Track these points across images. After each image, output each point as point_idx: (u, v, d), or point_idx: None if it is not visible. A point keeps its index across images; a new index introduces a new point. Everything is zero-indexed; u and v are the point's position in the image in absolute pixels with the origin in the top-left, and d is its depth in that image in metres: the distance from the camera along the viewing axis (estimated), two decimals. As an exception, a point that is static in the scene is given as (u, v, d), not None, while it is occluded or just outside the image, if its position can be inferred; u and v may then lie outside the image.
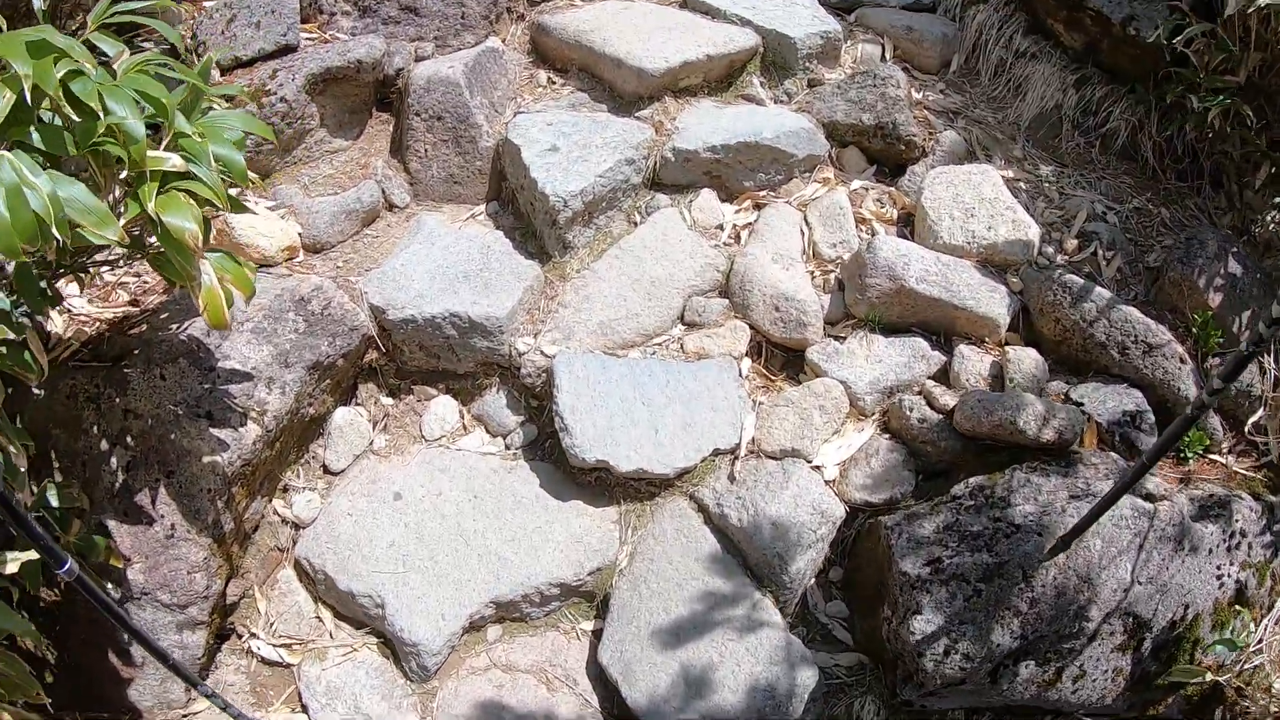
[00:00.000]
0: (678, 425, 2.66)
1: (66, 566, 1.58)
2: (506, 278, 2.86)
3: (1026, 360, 2.66)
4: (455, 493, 2.69)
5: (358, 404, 2.86)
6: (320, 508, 2.70)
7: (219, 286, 1.98)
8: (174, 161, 1.81)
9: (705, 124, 3.16)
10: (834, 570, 2.66)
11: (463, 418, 2.87)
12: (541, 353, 2.77)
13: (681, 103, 3.28)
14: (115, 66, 1.88)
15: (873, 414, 2.74)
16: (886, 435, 2.70)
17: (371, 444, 2.82)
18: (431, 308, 2.75)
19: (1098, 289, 2.71)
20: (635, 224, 3.06)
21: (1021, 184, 3.15)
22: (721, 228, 3.09)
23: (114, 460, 2.38)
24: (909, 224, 3.07)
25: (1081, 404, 2.60)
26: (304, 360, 2.59)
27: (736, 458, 2.66)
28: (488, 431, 2.84)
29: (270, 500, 2.69)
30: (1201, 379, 2.65)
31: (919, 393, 2.71)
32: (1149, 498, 2.43)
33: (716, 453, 2.67)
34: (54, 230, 1.55)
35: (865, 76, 3.32)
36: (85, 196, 1.65)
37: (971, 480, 2.48)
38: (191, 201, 1.83)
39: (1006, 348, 2.71)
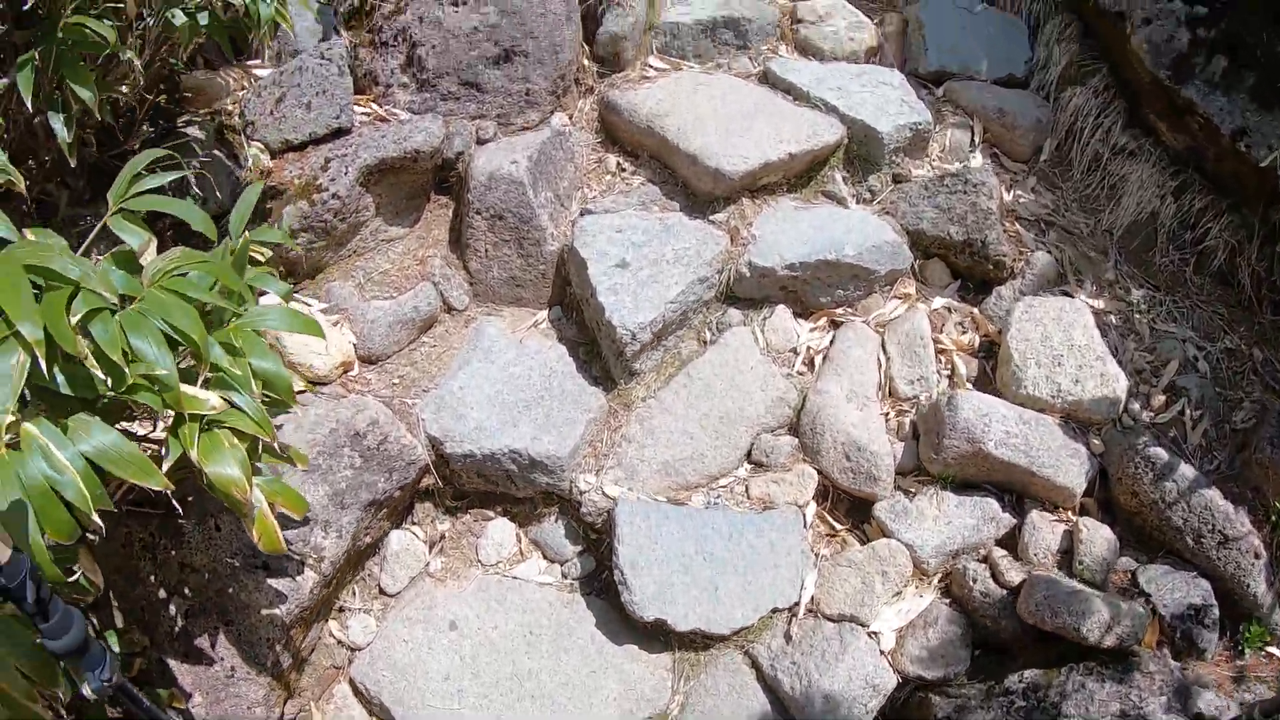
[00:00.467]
0: (738, 583, 2.62)
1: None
2: (569, 408, 2.77)
3: (1099, 542, 2.58)
4: (511, 626, 2.67)
5: (413, 523, 2.82)
6: (376, 631, 2.69)
7: (271, 516, 1.92)
8: (213, 403, 1.71)
9: (784, 233, 2.99)
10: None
11: (520, 542, 2.83)
12: (603, 493, 2.70)
13: (759, 203, 3.09)
14: (142, 262, 1.76)
15: (935, 575, 2.69)
16: (947, 601, 2.66)
17: (427, 566, 2.79)
18: (491, 443, 2.67)
19: (1181, 468, 2.60)
20: (705, 343, 2.94)
21: (1112, 316, 3.00)
22: (795, 351, 2.96)
23: (172, 608, 2.37)
24: (990, 355, 2.94)
25: (1148, 594, 2.54)
26: (361, 500, 2.53)
27: (795, 616, 2.63)
28: (545, 558, 2.81)
29: (326, 622, 2.70)
30: (1273, 574, 2.58)
31: (984, 559, 2.66)
32: (1199, 718, 2.40)
33: (775, 611, 2.64)
34: (94, 516, 1.47)
35: (956, 181, 3.11)
36: (122, 444, 1.55)
37: (1027, 675, 2.45)
38: (235, 442, 1.74)
39: (1080, 521, 2.63)
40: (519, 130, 3.14)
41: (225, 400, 1.73)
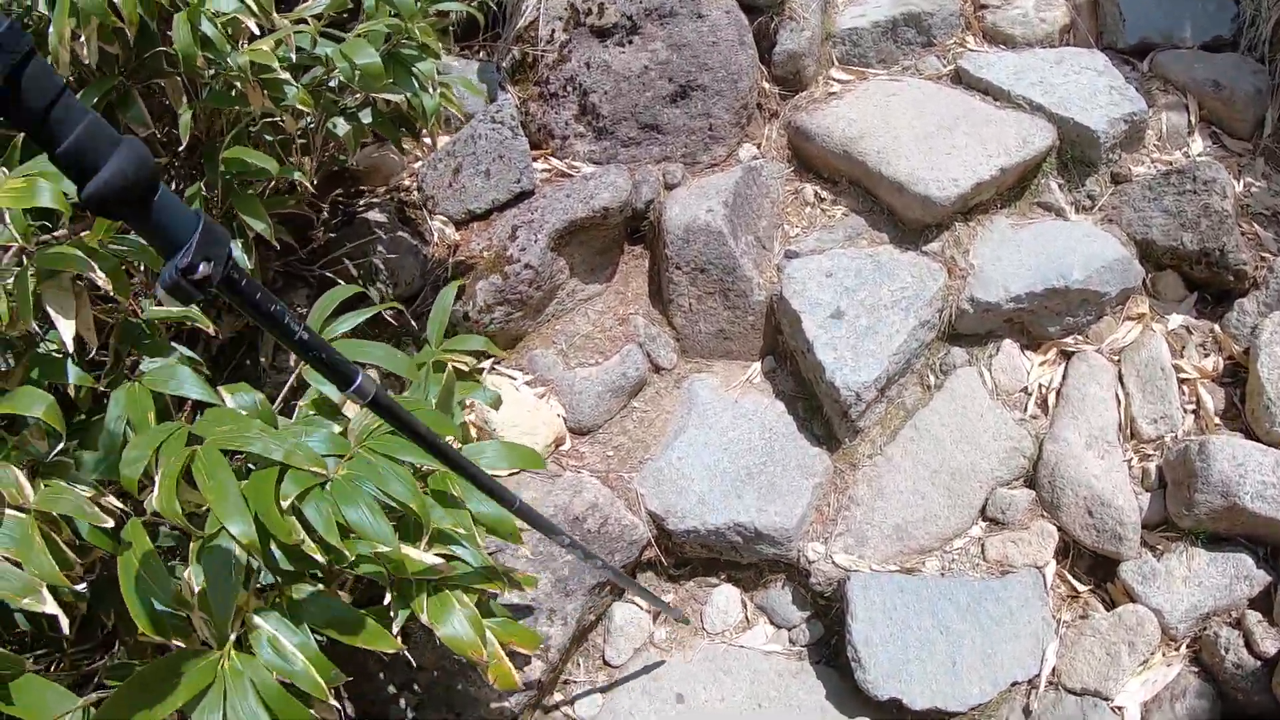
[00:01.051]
0: (976, 656, 2.51)
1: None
2: (793, 474, 2.64)
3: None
4: (739, 697, 2.62)
5: (636, 595, 2.76)
6: (601, 705, 2.67)
7: (505, 659, 1.85)
8: (438, 565, 1.62)
9: (1004, 260, 2.77)
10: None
11: (745, 608, 2.75)
12: (833, 562, 2.59)
13: (973, 226, 2.86)
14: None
15: (1184, 641, 2.54)
16: (1195, 670, 2.51)
17: (651, 637, 2.73)
18: (715, 518, 2.57)
19: None
20: (929, 388, 2.77)
21: (1374, 331, 2.73)
22: (1027, 391, 2.78)
23: (402, 702, 2.39)
24: (1236, 380, 2.71)
25: None
26: (585, 585, 2.47)
27: (1034, 689, 2.52)
28: (771, 623, 2.73)
29: (551, 694, 2.68)
30: None
31: (1237, 624, 2.49)
32: None
33: (1014, 684, 2.53)
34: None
35: (1184, 179, 2.83)
36: (350, 613, 1.50)
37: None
38: (465, 600, 1.67)
39: (1356, 575, 2.45)
40: (706, 169, 2.93)
41: (449, 555, 1.65)
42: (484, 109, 2.85)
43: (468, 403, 2.55)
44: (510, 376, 2.71)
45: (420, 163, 2.83)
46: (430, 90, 2.18)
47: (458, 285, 2.16)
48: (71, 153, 0.72)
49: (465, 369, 2.08)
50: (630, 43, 2.95)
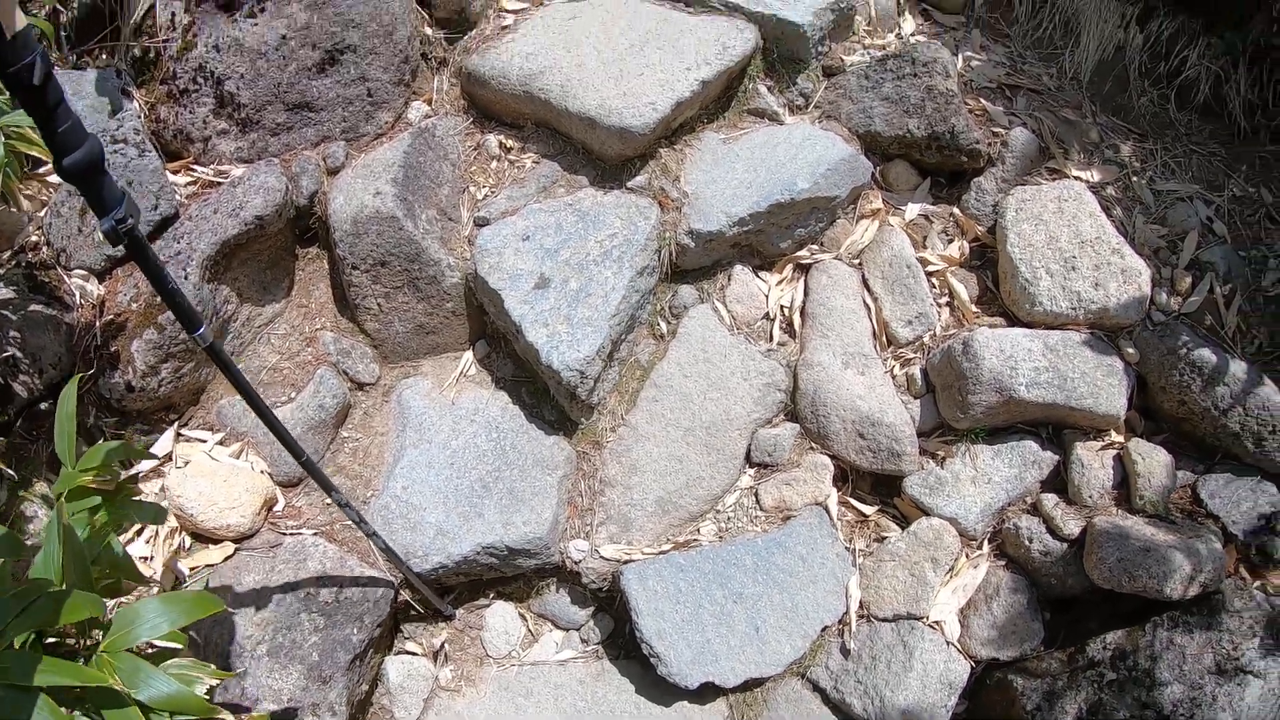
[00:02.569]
0: (779, 615, 2.31)
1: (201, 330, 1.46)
2: (532, 473, 2.34)
3: (1157, 472, 2.27)
4: (548, 717, 2.35)
5: (406, 641, 2.42)
6: (406, 768, 2.37)
7: None
8: None
9: (720, 180, 2.49)
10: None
11: (525, 621, 2.46)
12: (601, 556, 2.33)
13: (680, 148, 2.55)
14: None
15: (985, 538, 2.40)
16: (1003, 563, 2.38)
17: (437, 681, 2.41)
18: (459, 547, 2.25)
19: (1231, 367, 2.27)
20: (660, 336, 2.49)
21: (1110, 189, 2.58)
22: (769, 317, 2.53)
23: None
24: (985, 262, 2.54)
25: (1216, 515, 2.28)
26: (340, 664, 2.11)
27: (846, 626, 2.35)
28: (557, 628, 2.46)
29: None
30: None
31: (1034, 509, 2.36)
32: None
33: (824, 629, 2.35)
34: None
35: (901, 63, 2.59)
36: None
37: (1109, 640, 2.22)
38: None
39: (1130, 447, 2.31)
40: (373, 140, 2.52)
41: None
42: (103, 126, 2.36)
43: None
44: (199, 440, 2.30)
45: (45, 211, 2.33)
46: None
47: (75, 387, 1.73)
48: (65, 135, 1.13)
49: (111, 489, 1.67)
50: (262, 10, 2.48)
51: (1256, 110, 2.69)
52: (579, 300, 2.31)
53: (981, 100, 2.65)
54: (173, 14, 2.58)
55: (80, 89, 2.49)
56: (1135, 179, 2.60)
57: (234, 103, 2.46)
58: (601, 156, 2.52)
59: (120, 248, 1.31)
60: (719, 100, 2.63)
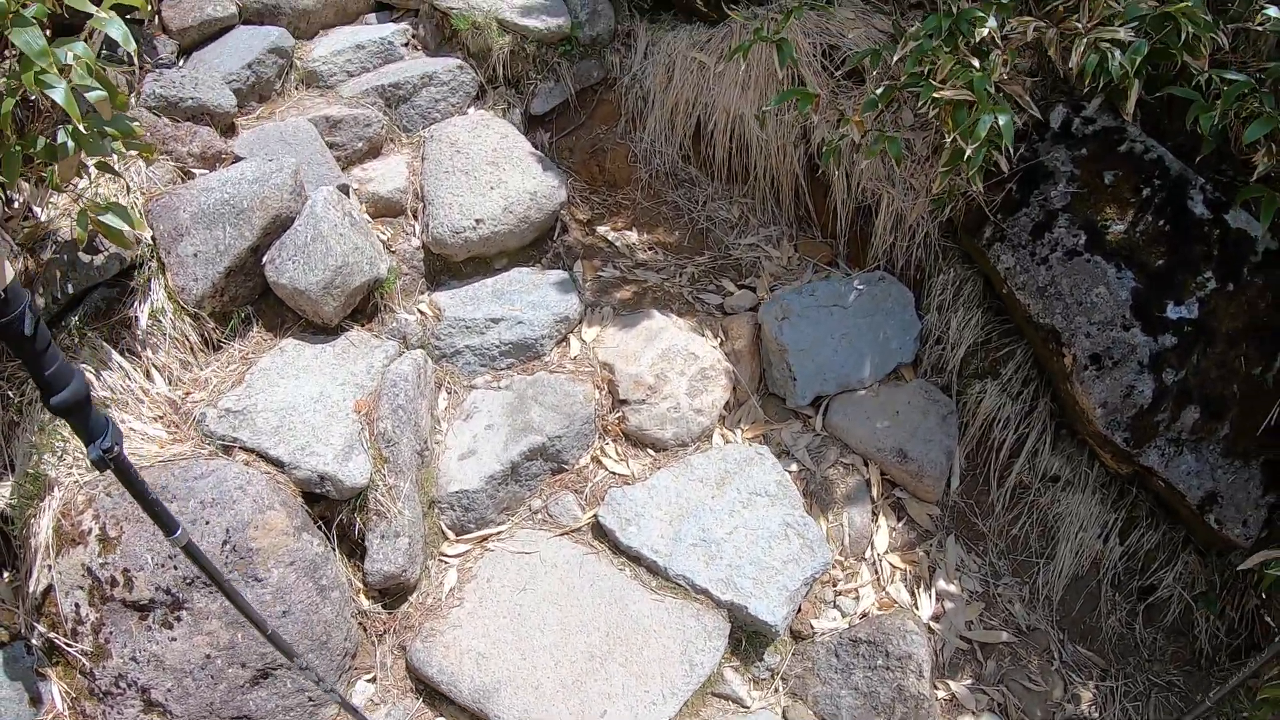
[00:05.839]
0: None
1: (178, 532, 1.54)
2: None
3: None
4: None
5: None
6: None
7: None
8: None
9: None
10: None
11: None
12: None
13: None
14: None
15: None
16: None
17: None
18: None
19: None
20: None
21: None
22: None
23: None
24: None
25: None
26: None
27: None
28: None
29: None
30: None
31: None
32: None
33: None
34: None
35: (874, 650, 2.48)
36: None
37: None
38: None
39: None
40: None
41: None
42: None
43: None
44: None
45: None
46: None
47: None
48: (53, 377, 1.16)
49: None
50: (179, 620, 2.22)
51: (1220, 632, 2.70)
52: None
53: (950, 684, 2.59)
54: (76, 605, 2.29)
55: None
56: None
57: (166, 711, 2.27)
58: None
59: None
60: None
